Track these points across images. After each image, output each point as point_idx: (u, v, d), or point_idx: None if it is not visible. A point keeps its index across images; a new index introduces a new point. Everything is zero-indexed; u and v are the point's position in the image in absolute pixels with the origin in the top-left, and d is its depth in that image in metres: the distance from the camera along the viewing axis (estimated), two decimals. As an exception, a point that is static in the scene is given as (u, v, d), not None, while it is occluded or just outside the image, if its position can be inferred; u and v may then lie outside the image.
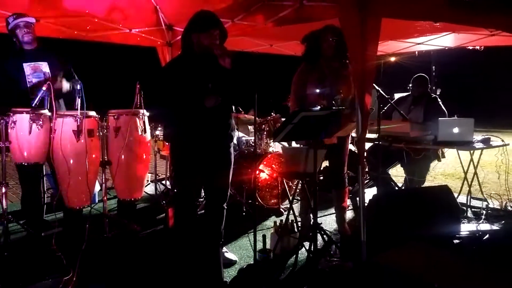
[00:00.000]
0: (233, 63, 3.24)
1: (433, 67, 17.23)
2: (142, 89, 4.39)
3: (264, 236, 3.78)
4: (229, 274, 3.53)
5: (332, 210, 4.66)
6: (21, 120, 3.86)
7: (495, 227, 4.45)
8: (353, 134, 4.03)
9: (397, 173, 6.29)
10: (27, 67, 4.17)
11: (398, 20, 3.97)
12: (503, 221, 4.63)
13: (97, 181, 4.63)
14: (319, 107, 3.53)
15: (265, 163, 5.16)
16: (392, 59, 7.94)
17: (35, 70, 4.19)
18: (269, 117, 5.66)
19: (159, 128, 5.58)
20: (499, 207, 5.11)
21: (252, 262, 3.62)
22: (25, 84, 4.16)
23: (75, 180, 4.05)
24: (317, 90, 4.03)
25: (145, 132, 4.47)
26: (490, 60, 17.32)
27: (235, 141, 5.44)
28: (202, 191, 3.77)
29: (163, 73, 3.52)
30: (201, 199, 4.61)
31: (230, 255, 3.80)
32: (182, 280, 3.37)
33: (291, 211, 4.01)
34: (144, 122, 4.47)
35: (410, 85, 5.54)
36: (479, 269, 2.97)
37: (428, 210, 3.84)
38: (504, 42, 5.74)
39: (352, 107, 3.81)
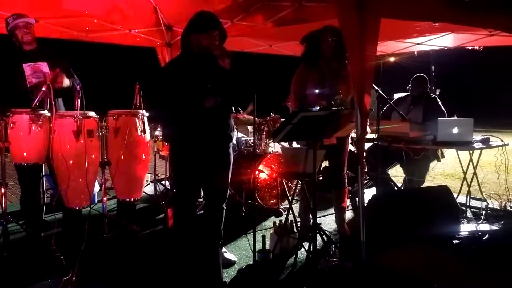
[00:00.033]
0: (232, 64, 3.25)
1: (432, 67, 17.21)
2: (142, 89, 4.39)
3: (263, 237, 3.78)
4: (228, 275, 3.53)
5: (332, 211, 4.66)
6: (21, 121, 3.86)
7: (495, 227, 4.45)
8: (353, 135, 4.03)
9: (397, 173, 6.30)
10: (27, 68, 4.17)
11: (397, 20, 3.97)
12: (502, 221, 4.63)
13: (96, 182, 4.62)
14: (318, 107, 3.53)
15: (264, 163, 5.16)
16: (392, 59, 7.94)
17: (35, 71, 4.19)
18: (268, 117, 5.66)
19: (159, 129, 5.58)
20: (498, 207, 5.12)
21: (251, 263, 3.62)
22: (25, 85, 4.15)
23: (75, 180, 4.05)
24: (317, 91, 4.03)
25: (144, 132, 4.46)
26: (489, 60, 17.31)
27: (234, 141, 5.45)
28: (202, 191, 3.76)
29: (163, 74, 3.52)
30: (201, 199, 4.61)
31: (229, 255, 3.80)
32: (182, 281, 3.37)
33: (290, 212, 4.01)
34: (143, 123, 4.47)
35: (409, 85, 5.54)
36: (478, 269, 2.97)
37: (427, 211, 3.84)
38: (503, 42, 5.74)
39: (352, 107, 3.81)
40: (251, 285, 3.34)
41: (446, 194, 4.10)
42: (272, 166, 5.20)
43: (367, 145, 4.76)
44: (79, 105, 3.91)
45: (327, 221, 4.84)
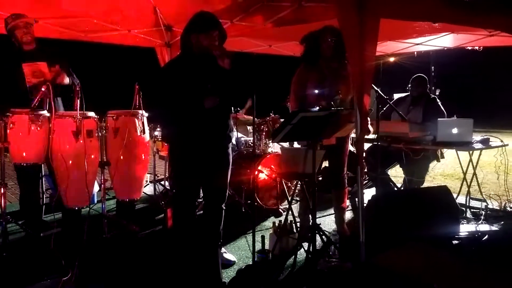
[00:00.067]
0: (232, 64, 3.24)
1: (432, 67, 17.22)
2: (141, 89, 4.39)
3: (263, 237, 3.78)
4: (227, 275, 3.52)
5: (331, 211, 4.66)
6: (20, 121, 3.86)
7: (494, 227, 4.45)
8: (353, 135, 4.03)
9: (396, 174, 6.30)
10: (26, 67, 4.16)
11: (397, 21, 3.97)
12: (502, 222, 4.63)
13: (96, 182, 4.62)
14: (317, 107, 3.53)
15: (264, 163, 5.15)
16: (391, 59, 7.94)
17: (34, 70, 4.18)
18: (268, 118, 5.66)
19: (158, 129, 5.58)
20: (498, 208, 5.11)
21: (250, 263, 3.62)
22: (25, 85, 4.15)
23: (74, 180, 4.05)
24: (317, 91, 4.03)
25: (144, 132, 4.46)
26: (489, 61, 17.31)
27: (234, 141, 5.45)
28: (201, 191, 3.76)
29: (162, 74, 3.52)
30: (200, 200, 4.61)
31: (228, 255, 3.79)
32: (181, 281, 3.36)
33: (290, 212, 4.00)
34: (143, 123, 4.47)
35: (409, 85, 5.53)
36: (478, 270, 2.97)
37: (427, 211, 3.84)
38: (503, 43, 5.74)
39: (352, 108, 3.81)
40: (250, 285, 3.34)
41: (445, 194, 4.10)
42: (272, 166, 5.20)
43: (366, 146, 4.76)
44: (78, 105, 3.91)
45: (327, 221, 4.83)
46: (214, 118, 3.32)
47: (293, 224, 4.02)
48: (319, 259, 3.48)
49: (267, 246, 3.82)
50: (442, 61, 16.98)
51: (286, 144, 5.54)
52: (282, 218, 4.25)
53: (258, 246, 3.72)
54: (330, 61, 4.06)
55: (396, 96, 6.10)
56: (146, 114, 4.50)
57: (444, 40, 6.14)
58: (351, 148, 4.43)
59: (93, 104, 4.24)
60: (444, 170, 7.92)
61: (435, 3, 3.27)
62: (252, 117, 3.71)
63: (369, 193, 5.07)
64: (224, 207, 3.56)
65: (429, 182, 6.52)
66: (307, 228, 3.90)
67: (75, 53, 5.69)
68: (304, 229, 4.02)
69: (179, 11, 5.19)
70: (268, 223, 4.79)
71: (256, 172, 5.00)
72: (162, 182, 6.15)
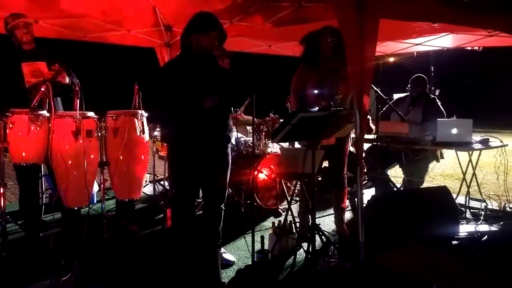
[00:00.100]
0: (232, 64, 3.25)
1: (432, 67, 17.22)
2: (141, 89, 4.39)
3: (262, 237, 3.78)
4: (227, 275, 3.52)
5: (331, 211, 4.66)
6: (20, 121, 3.86)
7: (494, 228, 4.45)
8: (354, 135, 4.03)
9: (396, 174, 6.30)
10: (26, 67, 4.16)
11: (397, 21, 3.97)
12: (501, 222, 4.63)
13: (95, 182, 4.62)
14: (317, 108, 3.53)
15: (263, 163, 5.15)
16: (391, 59, 7.95)
17: (33, 70, 4.18)
18: (267, 118, 5.66)
19: (158, 129, 5.58)
20: (497, 208, 5.12)
21: (250, 263, 3.61)
22: (24, 84, 4.15)
23: (74, 180, 4.05)
24: (317, 91, 4.03)
25: (143, 132, 4.46)
26: (488, 61, 17.32)
27: (233, 141, 5.45)
28: (200, 191, 3.77)
29: (161, 74, 3.52)
30: (199, 200, 4.61)
31: (228, 255, 3.79)
32: (180, 281, 3.36)
33: (289, 212, 4.00)
34: (142, 123, 4.47)
35: (409, 85, 5.54)
36: (477, 270, 2.97)
37: (426, 211, 3.84)
38: (502, 43, 5.74)
39: (352, 108, 3.81)
40: (249, 285, 3.34)
41: (445, 194, 4.10)
42: (271, 166, 5.20)
43: (366, 146, 4.76)
44: (78, 105, 3.91)
45: (326, 221, 4.83)
46: (214, 118, 3.32)
47: (293, 224, 4.02)
48: (318, 259, 3.48)
49: (266, 246, 3.82)
50: (441, 61, 16.98)
51: (286, 144, 5.55)
52: (282, 218, 4.25)
53: (258, 246, 3.72)
54: (330, 61, 4.06)
55: (396, 96, 6.10)
56: (145, 114, 4.50)
57: (443, 40, 6.14)
58: (350, 148, 4.43)
59: (93, 104, 4.24)
60: (443, 171, 7.92)
61: (435, 4, 3.27)
62: (251, 117, 3.70)
63: (368, 193, 5.07)
64: (223, 207, 3.55)
65: (428, 182, 6.52)
66: (306, 228, 3.90)
67: (74, 53, 5.70)
68: (304, 229, 4.02)
69: (178, 11, 5.18)
70: (268, 223, 4.79)
71: (256, 172, 5.00)
72: (162, 182, 6.15)
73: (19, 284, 3.27)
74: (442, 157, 5.24)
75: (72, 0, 4.66)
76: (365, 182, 5.72)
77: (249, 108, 5.52)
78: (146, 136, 4.59)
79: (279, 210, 5.17)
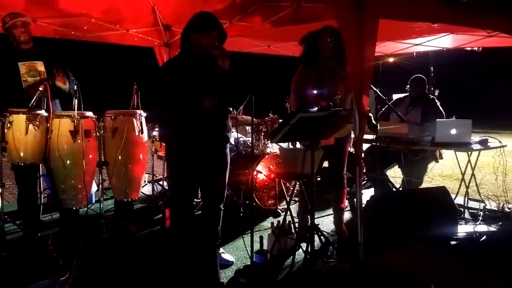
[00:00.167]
0: (231, 64, 3.24)
1: (431, 68, 17.25)
2: (139, 89, 4.38)
3: (261, 237, 3.78)
4: (226, 275, 3.52)
5: (330, 211, 4.66)
6: (18, 121, 3.85)
7: (492, 228, 4.45)
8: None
9: (395, 174, 6.30)
10: (22, 66, 4.15)
11: (396, 21, 3.97)
12: (500, 223, 4.64)
13: (94, 182, 4.62)
14: (316, 108, 3.52)
15: (262, 164, 5.15)
16: (390, 60, 7.95)
17: (30, 69, 4.17)
18: (266, 118, 5.66)
19: (156, 129, 5.57)
20: (496, 209, 5.12)
21: (249, 263, 3.61)
22: (20, 84, 4.14)
23: (72, 180, 4.05)
24: (317, 91, 4.03)
25: (142, 132, 4.46)
26: (488, 61, 17.34)
27: (232, 141, 5.44)
28: (199, 191, 3.76)
29: (160, 73, 3.51)
30: (198, 200, 4.61)
31: (227, 256, 3.79)
32: (179, 281, 3.36)
33: (288, 212, 4.00)
34: (141, 123, 4.47)
35: (408, 86, 5.54)
36: (476, 271, 2.97)
37: (425, 211, 3.84)
38: (502, 43, 5.74)
39: (351, 108, 3.81)
40: (249, 285, 3.33)
41: (444, 195, 4.10)
42: (270, 166, 5.20)
43: (365, 146, 4.75)
44: (76, 105, 3.90)
45: (325, 222, 4.83)
46: (212, 118, 3.31)
47: (292, 225, 4.02)
48: (317, 259, 3.47)
49: (265, 247, 3.82)
50: (441, 62, 17.01)
51: (285, 145, 5.55)
52: (281, 219, 4.24)
53: (257, 247, 3.71)
54: (330, 62, 4.06)
55: (395, 96, 6.10)
56: (144, 114, 4.49)
57: (443, 41, 6.14)
58: (350, 148, 4.43)
59: (91, 104, 4.23)
60: (442, 171, 7.93)
61: (434, 4, 3.27)
62: (250, 117, 3.70)
63: (367, 194, 5.06)
64: (222, 208, 3.55)
65: (427, 182, 6.52)
66: (305, 229, 3.90)
67: (73, 52, 5.69)
68: (303, 230, 4.02)
69: (177, 11, 5.18)
70: (267, 223, 4.79)
71: (255, 173, 5.00)
72: (161, 182, 6.14)
73: (18, 284, 3.26)
74: (441, 158, 5.24)
75: (71, 0, 4.65)
76: (364, 182, 5.72)
77: (249, 109, 5.52)
78: (145, 136, 4.58)
79: (278, 210, 5.16)
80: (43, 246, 3.69)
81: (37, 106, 3.94)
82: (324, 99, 3.94)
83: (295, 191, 4.64)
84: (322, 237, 3.61)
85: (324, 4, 3.94)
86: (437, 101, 5.37)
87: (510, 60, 13.66)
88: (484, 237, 4.01)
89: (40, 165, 4.28)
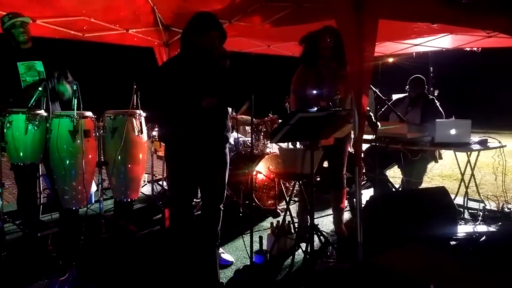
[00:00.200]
0: (230, 64, 3.25)
1: (431, 68, 17.26)
2: (139, 89, 4.38)
3: (260, 237, 3.78)
4: (225, 275, 3.52)
5: (329, 211, 4.65)
6: (17, 120, 3.85)
7: (492, 228, 4.45)
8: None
9: (395, 174, 6.30)
10: (21, 66, 4.15)
11: (396, 21, 3.97)
12: (500, 223, 4.64)
13: (93, 182, 4.62)
14: (316, 108, 3.52)
15: (262, 164, 5.15)
16: (390, 60, 7.95)
17: (29, 69, 4.18)
18: (266, 118, 5.66)
19: (156, 129, 5.57)
20: (496, 209, 5.12)
21: (248, 263, 3.61)
22: (19, 84, 4.14)
23: (72, 180, 4.05)
24: (316, 91, 4.03)
25: (141, 132, 4.46)
26: (487, 62, 17.35)
27: (232, 141, 5.44)
28: (199, 191, 3.76)
29: (160, 73, 3.51)
30: (198, 200, 4.61)
31: (226, 256, 3.79)
32: (179, 281, 3.36)
33: (288, 212, 4.00)
34: (140, 123, 4.47)
35: (407, 86, 5.53)
36: (476, 271, 2.96)
37: (425, 212, 3.84)
38: (501, 44, 5.75)
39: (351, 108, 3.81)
40: (248, 285, 3.33)
41: (443, 195, 4.09)
42: (270, 166, 5.20)
43: (365, 146, 4.75)
44: (75, 105, 3.90)
45: (325, 222, 4.83)
46: (212, 118, 3.31)
47: (291, 225, 4.02)
48: (317, 259, 3.48)
49: (265, 247, 3.82)
50: (440, 62, 17.03)
51: (284, 145, 5.55)
52: (280, 219, 4.24)
53: (256, 247, 3.71)
54: (329, 62, 4.06)
55: (395, 97, 6.10)
56: (144, 114, 4.49)
57: (442, 41, 6.15)
58: (349, 148, 4.43)
59: (91, 104, 4.23)
60: (442, 171, 7.93)
61: (434, 4, 3.27)
62: (250, 118, 3.70)
63: (367, 194, 5.06)
64: (222, 208, 3.55)
65: (427, 183, 6.52)
66: (305, 229, 3.89)
67: (73, 52, 5.69)
68: (302, 230, 4.02)
69: (177, 11, 5.18)
70: (266, 223, 4.79)
71: (254, 173, 5.00)
72: (160, 182, 6.14)
73: (17, 284, 3.25)
74: (441, 158, 5.24)
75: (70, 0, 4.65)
76: (364, 182, 5.72)
77: (248, 109, 5.51)
78: (144, 136, 4.58)
79: (278, 210, 5.16)
80: (43, 246, 3.69)
81: (36, 106, 3.94)
82: (324, 99, 3.94)
83: (295, 191, 4.64)
84: (321, 237, 3.61)
85: (323, 4, 3.94)
86: (436, 101, 5.37)
87: (509, 60, 13.66)
88: (484, 238, 4.01)
89: (40, 165, 4.28)
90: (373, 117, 4.00)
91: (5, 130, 3.81)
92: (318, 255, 3.56)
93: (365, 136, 3.88)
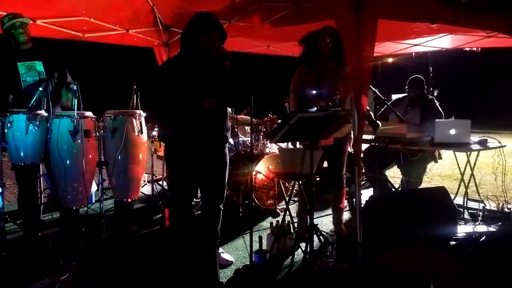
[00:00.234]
0: (230, 65, 3.25)
1: (430, 68, 17.26)
2: (139, 89, 4.39)
3: (260, 237, 3.78)
4: (225, 275, 3.52)
5: (329, 211, 4.66)
6: (18, 121, 3.85)
7: (492, 228, 4.45)
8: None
9: (394, 175, 6.30)
10: (21, 66, 4.16)
11: (395, 22, 3.97)
12: (499, 223, 4.64)
13: (93, 182, 4.62)
14: (315, 108, 3.53)
15: (261, 164, 5.15)
16: (390, 60, 7.95)
17: (29, 69, 4.18)
18: (266, 118, 5.66)
19: (156, 129, 5.58)
20: (495, 209, 5.13)
21: (248, 263, 3.61)
22: (19, 84, 4.14)
23: (72, 180, 4.05)
24: (316, 91, 4.03)
25: (141, 132, 4.47)
26: (487, 62, 17.32)
27: (232, 141, 5.44)
28: (199, 191, 3.77)
29: (160, 73, 3.51)
30: (198, 200, 4.61)
31: (226, 255, 3.79)
32: (178, 281, 3.36)
33: (287, 212, 4.00)
34: (140, 123, 4.47)
35: (406, 86, 5.54)
36: (475, 271, 2.97)
37: (425, 212, 3.84)
38: (501, 44, 5.76)
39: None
40: (248, 285, 3.34)
41: (443, 195, 4.10)
42: (269, 166, 5.20)
43: (364, 146, 4.76)
44: (76, 105, 3.90)
45: (324, 222, 4.84)
46: (212, 118, 3.31)
47: (291, 225, 4.02)
48: (316, 259, 3.48)
49: (264, 247, 3.83)
50: (440, 62, 17.03)
51: (284, 145, 5.55)
52: (280, 219, 4.25)
53: (256, 246, 3.71)
54: (329, 62, 4.06)
55: (394, 97, 6.10)
56: (144, 114, 4.49)
57: (442, 41, 6.15)
58: (348, 148, 4.43)
59: (91, 104, 4.23)
60: (441, 171, 7.93)
61: (434, 4, 3.28)
62: (250, 118, 3.70)
63: (366, 194, 5.07)
64: (221, 208, 3.55)
65: (426, 183, 6.53)
66: (304, 229, 3.90)
67: (73, 53, 5.69)
68: (302, 230, 4.02)
69: (177, 11, 5.18)
70: (266, 223, 4.79)
71: (254, 173, 5.00)
72: (160, 182, 6.15)
73: (18, 283, 3.26)
74: (440, 158, 5.24)
75: (70, 0, 4.65)
76: (363, 182, 5.73)
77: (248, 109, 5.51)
78: (144, 136, 4.59)
79: (277, 210, 5.17)
80: (44, 245, 3.69)
81: (37, 106, 3.95)
82: (324, 99, 3.94)
83: (294, 191, 4.65)
84: (321, 237, 3.62)
85: (323, 5, 3.95)
86: (436, 101, 5.37)
87: (509, 60, 13.65)
88: (484, 238, 4.02)
89: (40, 165, 4.28)
90: (373, 116, 4.01)
91: (5, 130, 3.81)
92: (318, 255, 3.56)
93: (365, 136, 3.88)
